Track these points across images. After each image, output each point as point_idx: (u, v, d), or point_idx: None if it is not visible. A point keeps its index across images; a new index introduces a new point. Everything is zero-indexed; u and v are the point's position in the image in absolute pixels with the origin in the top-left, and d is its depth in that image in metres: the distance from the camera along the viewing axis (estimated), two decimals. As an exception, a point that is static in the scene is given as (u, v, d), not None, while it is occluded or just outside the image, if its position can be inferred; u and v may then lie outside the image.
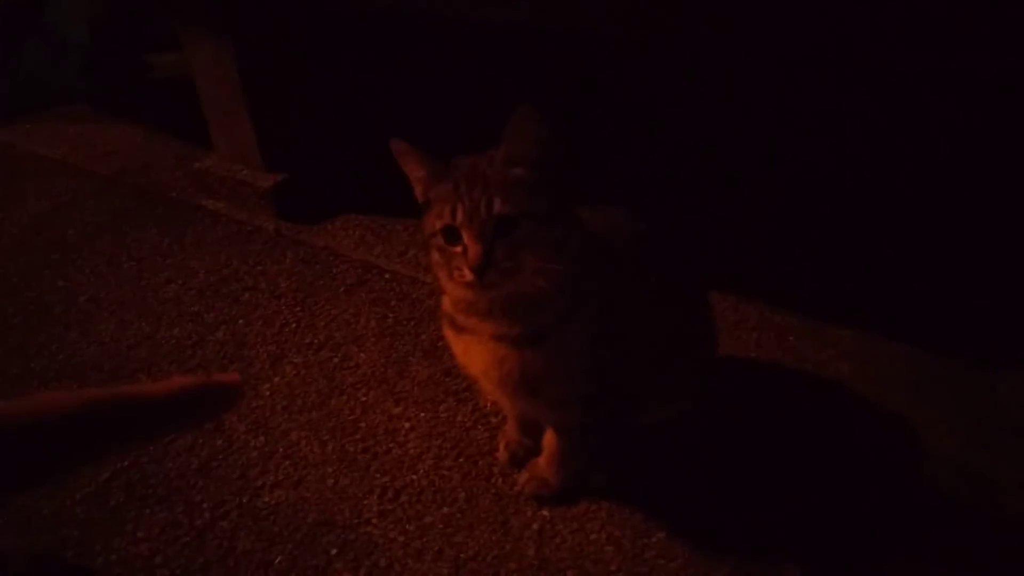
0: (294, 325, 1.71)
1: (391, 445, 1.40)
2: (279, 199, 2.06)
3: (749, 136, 2.02)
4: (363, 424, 1.45)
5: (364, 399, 1.50)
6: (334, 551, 1.21)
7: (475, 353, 1.06)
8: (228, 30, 1.88)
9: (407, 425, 1.44)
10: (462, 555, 1.20)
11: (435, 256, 0.98)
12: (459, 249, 0.93)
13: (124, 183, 2.32)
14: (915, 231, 1.80)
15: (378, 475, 1.34)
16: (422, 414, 1.46)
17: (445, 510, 1.27)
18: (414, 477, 1.34)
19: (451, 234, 0.94)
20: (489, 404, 1.46)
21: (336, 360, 1.60)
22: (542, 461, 1.27)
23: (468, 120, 1.41)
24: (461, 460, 1.36)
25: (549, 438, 1.24)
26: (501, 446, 1.36)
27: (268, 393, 1.53)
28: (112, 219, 2.15)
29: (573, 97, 2.15)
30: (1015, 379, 1.43)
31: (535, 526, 1.24)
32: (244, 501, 1.31)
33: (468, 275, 0.92)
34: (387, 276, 1.84)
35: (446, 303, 1.08)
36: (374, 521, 1.26)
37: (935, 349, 1.51)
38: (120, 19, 3.20)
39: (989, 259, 1.68)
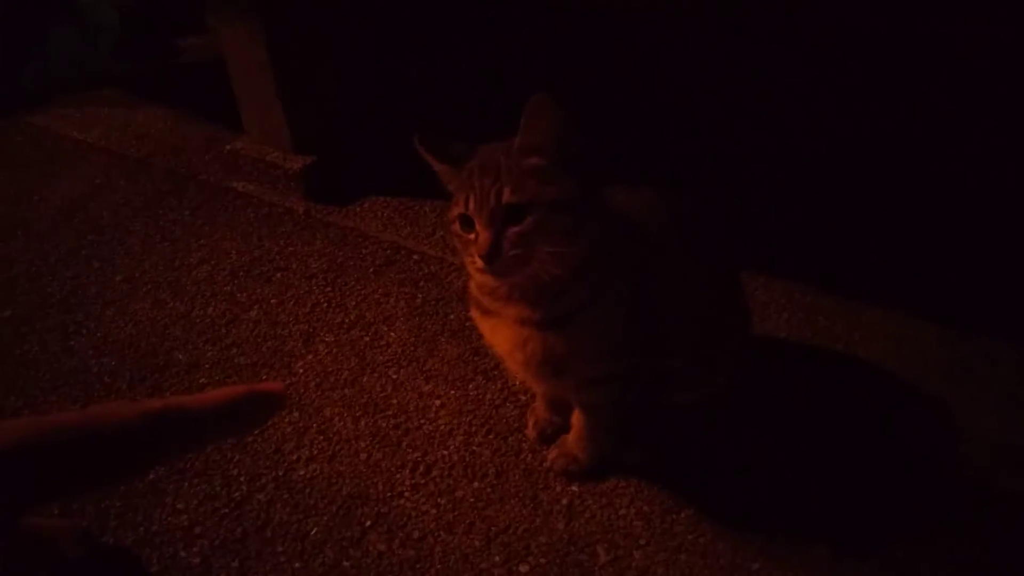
0: (325, 305, 1.73)
1: (422, 421, 1.42)
2: (308, 181, 2.07)
3: (783, 115, 2.00)
4: (394, 401, 1.47)
5: (395, 377, 1.52)
6: (368, 523, 1.24)
7: (500, 335, 1.07)
8: (258, 12, 1.89)
9: (437, 402, 1.46)
10: (493, 528, 1.22)
11: (455, 243, 1.02)
12: (472, 236, 0.95)
13: (156, 165, 2.36)
14: (949, 211, 1.77)
15: (410, 450, 1.36)
16: (452, 392, 1.48)
17: (476, 484, 1.29)
18: (445, 452, 1.36)
19: (466, 222, 0.96)
20: (518, 382, 1.47)
21: (367, 339, 1.62)
22: (571, 438, 1.28)
23: (500, 100, 1.41)
24: (491, 437, 1.38)
25: (577, 416, 1.25)
26: (530, 423, 1.37)
27: (301, 371, 1.55)
28: (145, 201, 2.19)
29: (608, 77, 2.14)
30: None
31: (564, 501, 1.25)
32: (280, 474, 1.34)
33: (479, 262, 0.94)
34: (415, 257, 1.86)
35: (472, 286, 1.10)
36: (407, 494, 1.28)
37: (969, 329, 1.49)
38: (149, 3, 3.24)
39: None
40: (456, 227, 0.98)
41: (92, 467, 0.46)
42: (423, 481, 1.31)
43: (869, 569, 1.12)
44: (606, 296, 1.02)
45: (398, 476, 1.32)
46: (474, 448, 1.36)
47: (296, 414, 1.45)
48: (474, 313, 1.12)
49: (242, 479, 1.34)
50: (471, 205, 0.94)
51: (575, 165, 0.95)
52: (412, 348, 1.59)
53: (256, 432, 1.42)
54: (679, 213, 1.19)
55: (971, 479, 1.24)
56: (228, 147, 2.21)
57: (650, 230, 1.11)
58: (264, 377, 1.54)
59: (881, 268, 1.67)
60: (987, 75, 1.68)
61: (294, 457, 1.37)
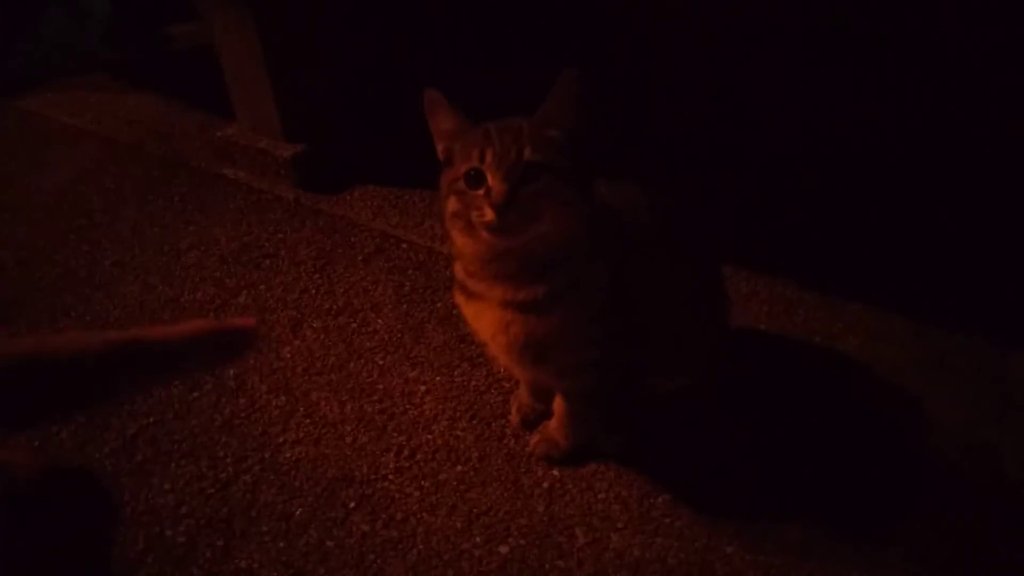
0: (313, 291, 1.75)
1: (407, 407, 1.44)
2: (299, 169, 2.09)
3: (768, 111, 2.03)
4: (380, 386, 1.49)
5: (381, 363, 1.54)
6: (352, 504, 1.26)
7: (484, 319, 1.09)
8: None
9: (423, 388, 1.48)
10: (475, 510, 1.24)
11: (452, 207, 1.00)
12: (481, 192, 0.96)
13: (146, 151, 2.36)
14: (927, 207, 1.80)
15: (395, 434, 1.39)
16: (437, 378, 1.50)
17: (459, 468, 1.32)
18: (429, 437, 1.38)
19: (475, 177, 0.96)
20: (502, 369, 1.49)
21: (354, 325, 1.64)
22: (553, 424, 1.31)
23: (490, 92, 1.43)
24: (475, 422, 1.40)
25: (559, 402, 1.27)
26: (513, 409, 1.40)
27: (289, 355, 1.57)
28: (135, 187, 2.19)
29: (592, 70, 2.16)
30: None
31: (545, 484, 1.28)
32: (266, 456, 1.36)
33: (489, 214, 0.94)
34: (404, 246, 1.88)
35: (458, 270, 1.11)
36: (391, 477, 1.31)
37: (945, 325, 1.53)
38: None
39: (1002, 236, 1.69)
40: (461, 184, 0.97)
41: (52, 393, 0.46)
42: (407, 464, 1.33)
43: (839, 554, 1.15)
44: (588, 281, 1.05)
45: (383, 459, 1.34)
46: (458, 433, 1.39)
47: (283, 398, 1.47)
48: (459, 298, 1.14)
49: (228, 460, 1.35)
50: (488, 158, 0.95)
51: (583, 146, 0.99)
52: (399, 335, 1.61)
53: (243, 415, 1.44)
54: (660, 206, 1.22)
55: (941, 470, 1.28)
56: (219, 134, 2.22)
57: (631, 220, 1.14)
58: (252, 362, 1.56)
59: (861, 263, 1.71)
60: (967, 72, 1.72)
61: (280, 440, 1.39)
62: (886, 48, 1.75)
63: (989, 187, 1.73)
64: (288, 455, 1.36)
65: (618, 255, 1.08)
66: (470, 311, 1.12)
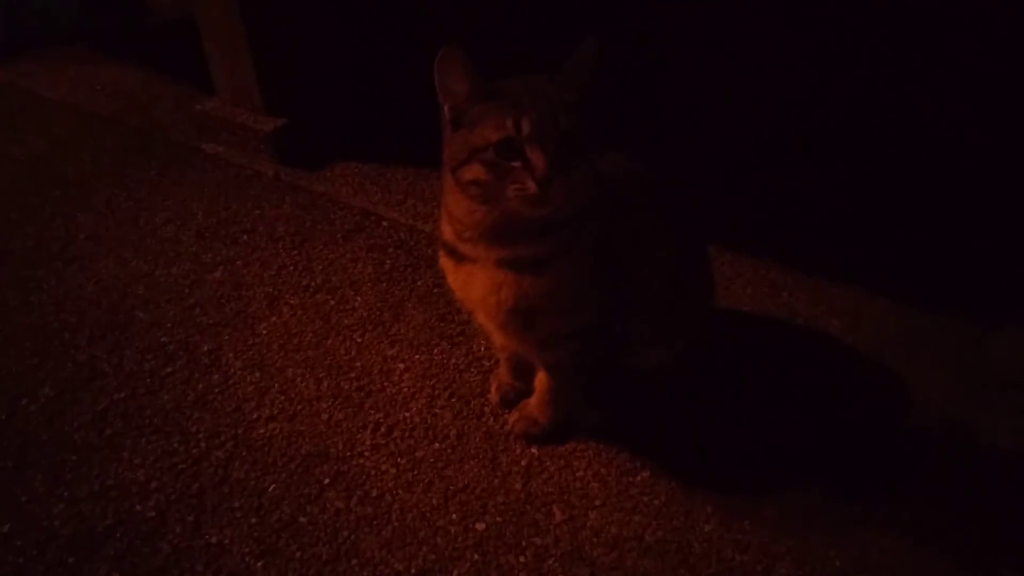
0: (291, 268, 1.72)
1: (385, 384, 1.42)
2: (279, 144, 2.05)
3: (756, 96, 2.01)
4: (358, 364, 1.46)
5: (360, 340, 1.52)
6: (327, 480, 1.24)
7: (474, 282, 1.07)
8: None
9: (401, 366, 1.46)
10: (451, 487, 1.22)
11: (473, 175, 0.95)
12: (518, 164, 0.93)
13: (124, 124, 2.31)
14: (910, 192, 1.80)
15: (372, 411, 1.36)
16: (416, 356, 1.48)
17: (436, 446, 1.30)
18: (407, 414, 1.36)
19: (509, 148, 0.92)
20: (483, 348, 1.47)
21: (333, 303, 1.61)
22: (533, 402, 1.29)
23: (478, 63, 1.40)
24: (454, 400, 1.39)
25: (541, 378, 1.26)
26: (493, 388, 1.38)
27: (265, 332, 1.54)
28: (112, 159, 2.14)
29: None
30: (1003, 337, 1.45)
31: (523, 462, 1.26)
32: (239, 432, 1.33)
33: (532, 188, 0.92)
34: (385, 224, 1.85)
35: (447, 232, 1.08)
36: (367, 454, 1.29)
37: (926, 307, 1.53)
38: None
39: (979, 219, 1.68)
40: (490, 155, 0.93)
41: None
42: (384, 442, 1.31)
43: (815, 528, 1.14)
44: (581, 242, 1.03)
45: (359, 436, 1.32)
46: (436, 411, 1.37)
47: (258, 374, 1.44)
48: (445, 263, 1.11)
49: (201, 436, 1.33)
50: (525, 129, 0.91)
51: (593, 111, 0.98)
52: (378, 313, 1.59)
53: (217, 391, 1.41)
54: (649, 180, 1.20)
55: (919, 447, 1.27)
56: (198, 107, 2.17)
57: (622, 190, 1.12)
58: (226, 337, 1.53)
59: (845, 246, 1.70)
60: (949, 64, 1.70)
61: (254, 416, 1.36)
62: (874, 31, 1.73)
63: (970, 172, 1.73)
64: (262, 431, 1.33)
65: (609, 219, 1.07)
66: (459, 276, 1.10)
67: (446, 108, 0.98)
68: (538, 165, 0.91)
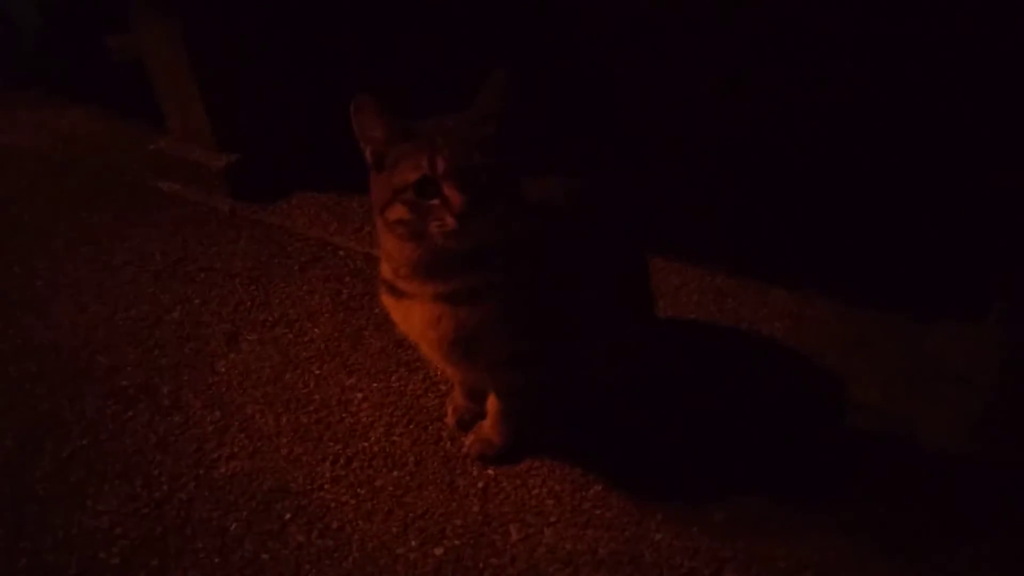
0: (249, 303, 1.74)
1: (344, 415, 1.45)
2: (233, 179, 2.07)
3: (697, 103, 2.06)
4: (317, 396, 1.49)
5: (318, 372, 1.55)
6: (288, 515, 1.26)
7: (413, 316, 1.11)
8: (176, 10, 1.88)
9: (360, 395, 1.49)
10: (410, 514, 1.25)
11: (397, 215, 0.99)
12: (436, 202, 0.96)
13: (80, 167, 2.32)
14: (844, 196, 1.85)
15: (331, 443, 1.39)
16: (374, 384, 1.51)
17: (395, 473, 1.33)
18: (366, 444, 1.39)
19: (426, 187, 0.96)
20: (439, 372, 1.51)
21: (290, 336, 1.64)
22: (487, 423, 1.33)
23: (422, 97, 1.43)
24: (411, 426, 1.42)
25: (492, 400, 1.29)
26: (449, 411, 1.41)
27: (224, 370, 1.56)
28: (69, 203, 2.15)
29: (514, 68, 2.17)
30: (940, 332, 1.51)
31: (480, 484, 1.29)
32: (201, 473, 1.35)
33: (451, 223, 0.95)
34: (341, 253, 1.88)
35: (386, 271, 1.12)
36: (327, 487, 1.31)
37: (866, 307, 1.58)
38: (73, 1, 3.15)
39: (915, 220, 1.74)
40: (410, 195, 0.97)
41: None
42: (343, 473, 1.34)
43: (762, 532, 1.19)
44: (516, 270, 1.06)
45: (319, 469, 1.34)
46: (394, 438, 1.40)
47: (218, 413, 1.46)
48: (386, 300, 1.15)
49: (163, 479, 1.35)
50: (440, 168, 0.94)
51: (515, 139, 1.01)
52: (336, 343, 1.61)
53: (177, 432, 1.43)
54: (578, 201, 1.24)
55: (860, 446, 1.32)
56: (152, 146, 2.19)
57: (559, 213, 1.16)
58: (186, 378, 1.55)
59: (786, 250, 1.75)
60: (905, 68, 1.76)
61: (215, 455, 1.38)
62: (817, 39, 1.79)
63: (906, 174, 1.79)
64: (223, 470, 1.35)
65: (546, 244, 1.10)
66: (399, 311, 1.13)
67: (367, 152, 1.02)
68: (455, 201, 0.95)
